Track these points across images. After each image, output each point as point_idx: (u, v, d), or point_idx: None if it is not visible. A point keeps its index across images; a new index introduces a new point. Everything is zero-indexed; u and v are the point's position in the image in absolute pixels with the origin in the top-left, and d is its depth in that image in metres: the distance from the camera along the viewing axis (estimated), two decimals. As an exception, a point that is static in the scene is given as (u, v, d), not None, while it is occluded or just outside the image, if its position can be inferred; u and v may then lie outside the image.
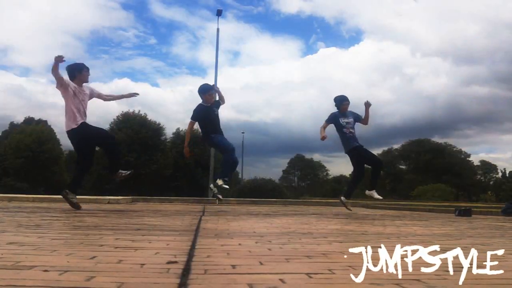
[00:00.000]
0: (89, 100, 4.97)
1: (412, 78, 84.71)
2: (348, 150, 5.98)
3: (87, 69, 4.96)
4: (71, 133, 4.75)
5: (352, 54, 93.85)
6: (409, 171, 56.62)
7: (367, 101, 6.07)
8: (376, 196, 6.00)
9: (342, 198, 6.21)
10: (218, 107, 5.94)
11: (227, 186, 5.47)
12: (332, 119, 5.99)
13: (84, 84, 4.93)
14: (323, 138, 5.93)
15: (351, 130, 5.92)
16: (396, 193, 48.60)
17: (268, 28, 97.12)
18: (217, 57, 18.62)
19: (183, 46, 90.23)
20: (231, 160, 5.69)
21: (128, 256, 1.49)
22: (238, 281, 1.11)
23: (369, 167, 6.23)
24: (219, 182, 5.49)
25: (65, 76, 4.75)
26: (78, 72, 4.84)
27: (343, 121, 5.92)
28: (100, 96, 5.19)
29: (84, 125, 4.76)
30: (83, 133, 4.73)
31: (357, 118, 6.08)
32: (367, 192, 6.12)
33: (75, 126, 4.69)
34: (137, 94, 5.49)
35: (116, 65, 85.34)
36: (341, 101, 5.99)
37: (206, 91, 5.73)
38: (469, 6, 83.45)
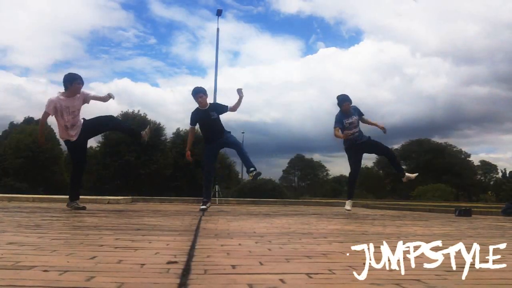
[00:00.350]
0: (83, 104, 5.07)
1: (412, 78, 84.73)
2: (345, 148, 6.01)
3: (80, 81, 4.94)
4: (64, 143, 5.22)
5: (352, 54, 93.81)
6: (409, 171, 56.46)
7: (383, 128, 6.02)
8: (413, 175, 5.99)
9: (348, 208, 6.03)
10: (218, 111, 5.66)
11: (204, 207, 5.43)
12: (338, 121, 5.87)
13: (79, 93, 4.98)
14: (345, 136, 5.76)
15: (354, 130, 5.82)
16: (396, 193, 48.55)
17: (268, 28, 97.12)
18: (217, 57, 18.60)
19: (183, 46, 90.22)
20: (203, 182, 5.76)
21: (128, 256, 1.49)
22: (238, 281, 1.11)
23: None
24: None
25: (46, 108, 4.87)
26: (69, 83, 4.88)
27: (346, 122, 5.84)
28: (93, 98, 5.20)
29: (69, 144, 5.09)
30: (69, 148, 5.19)
31: (359, 115, 5.98)
32: (403, 179, 6.11)
33: (64, 140, 5.12)
34: (112, 96, 5.35)
35: (116, 65, 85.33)
36: (342, 101, 5.89)
37: (195, 93, 5.60)
38: (469, 7, 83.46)
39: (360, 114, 5.99)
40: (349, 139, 5.87)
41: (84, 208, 4.96)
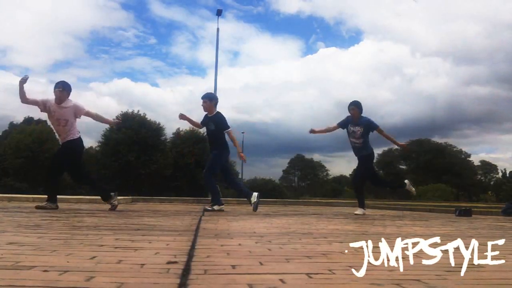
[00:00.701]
0: (76, 117, 4.87)
1: (412, 78, 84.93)
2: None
3: (58, 86, 4.76)
4: None
5: (352, 54, 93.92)
6: (409, 171, 56.57)
7: (403, 145, 5.93)
8: (360, 212, 5.55)
9: (408, 186, 5.81)
10: (215, 124, 5.50)
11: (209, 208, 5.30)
12: (343, 122, 5.70)
13: (71, 102, 4.82)
14: (310, 131, 5.79)
15: (354, 140, 5.61)
16: (396, 193, 48.54)
17: (268, 28, 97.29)
18: (217, 57, 18.63)
19: (182, 46, 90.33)
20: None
21: (128, 256, 1.49)
22: (238, 281, 1.11)
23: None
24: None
25: (40, 98, 4.81)
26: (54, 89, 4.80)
27: (350, 128, 5.61)
28: (88, 114, 5.00)
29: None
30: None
31: (368, 127, 5.59)
32: (355, 211, 5.79)
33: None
34: (120, 122, 5.42)
35: (116, 65, 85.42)
36: (349, 105, 5.63)
37: (201, 98, 5.59)
38: (469, 7, 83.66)
39: (369, 128, 5.61)
40: (352, 148, 5.74)
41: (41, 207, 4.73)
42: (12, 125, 38.46)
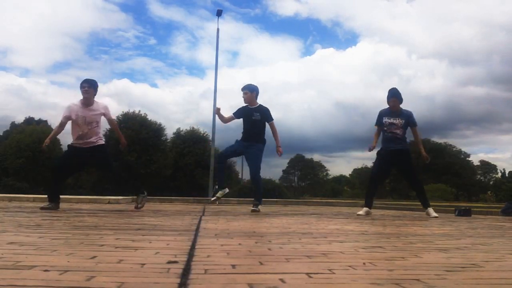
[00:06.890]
0: (105, 118, 4.92)
1: (409, 79, 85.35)
2: (377, 151, 5.41)
3: (83, 83, 4.76)
4: None
5: (350, 56, 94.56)
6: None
7: (426, 157, 5.49)
8: (432, 214, 5.13)
9: (359, 212, 5.23)
10: (262, 114, 5.45)
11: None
12: (377, 118, 5.36)
13: (98, 103, 4.83)
14: (370, 149, 5.35)
15: (394, 130, 5.20)
16: (396, 193, 48.53)
17: (267, 28, 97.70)
18: (217, 57, 18.57)
19: (182, 46, 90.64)
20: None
21: (128, 256, 1.49)
22: (238, 281, 1.11)
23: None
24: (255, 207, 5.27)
25: (65, 113, 4.80)
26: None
27: (386, 120, 5.23)
28: (112, 123, 5.15)
29: (71, 148, 4.89)
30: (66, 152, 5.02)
31: (408, 121, 5.25)
32: (425, 214, 5.32)
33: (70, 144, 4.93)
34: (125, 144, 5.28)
35: (115, 65, 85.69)
36: (389, 97, 5.24)
37: (241, 89, 5.60)
38: (464, 9, 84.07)
39: (409, 122, 5.26)
40: (384, 140, 5.29)
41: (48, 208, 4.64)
42: (13, 125, 38.46)
